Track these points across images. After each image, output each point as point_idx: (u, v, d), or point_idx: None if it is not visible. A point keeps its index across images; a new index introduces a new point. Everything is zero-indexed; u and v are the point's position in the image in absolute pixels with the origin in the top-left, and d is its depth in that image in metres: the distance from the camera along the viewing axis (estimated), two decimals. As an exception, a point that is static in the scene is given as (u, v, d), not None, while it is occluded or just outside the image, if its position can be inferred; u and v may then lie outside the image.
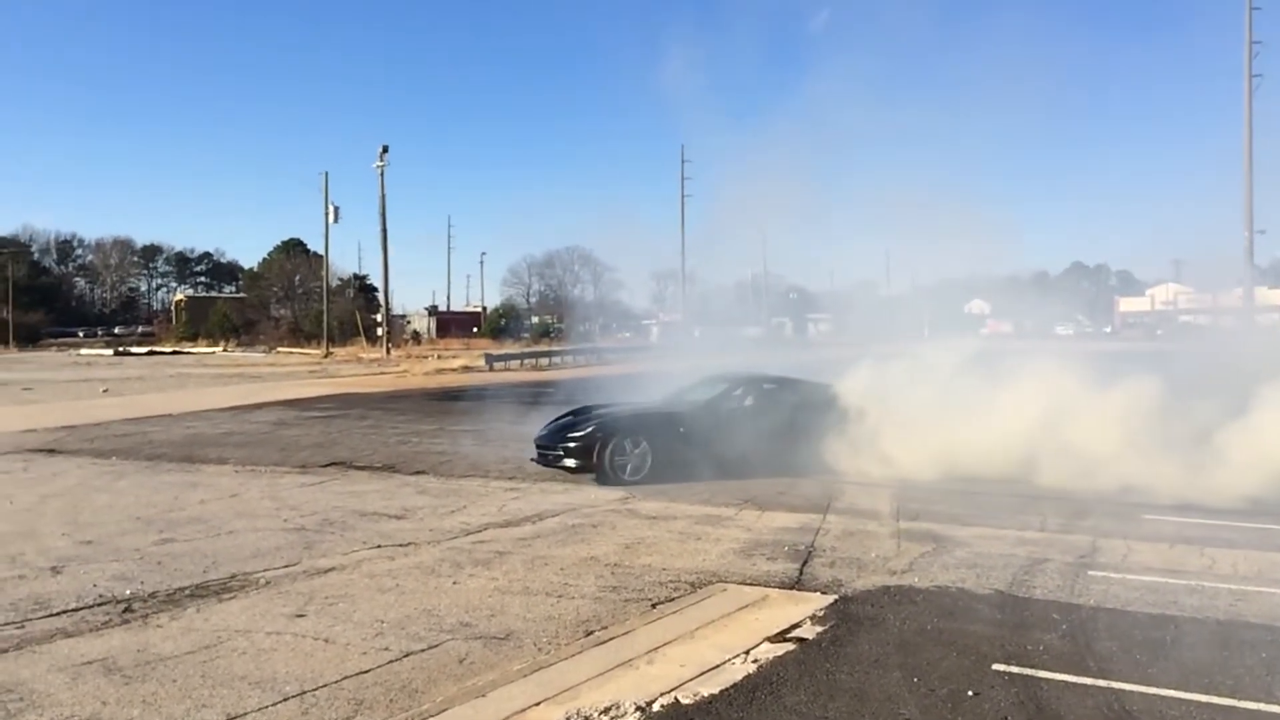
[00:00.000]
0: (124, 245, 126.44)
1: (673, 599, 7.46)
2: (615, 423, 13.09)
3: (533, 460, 13.48)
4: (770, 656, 6.06)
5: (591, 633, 6.64)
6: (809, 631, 6.58)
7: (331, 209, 62.96)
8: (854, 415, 13.70)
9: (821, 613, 7.01)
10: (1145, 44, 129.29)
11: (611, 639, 6.49)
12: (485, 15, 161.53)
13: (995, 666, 5.85)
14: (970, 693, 5.43)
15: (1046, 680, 5.61)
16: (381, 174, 59.60)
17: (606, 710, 5.16)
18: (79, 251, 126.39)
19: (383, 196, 60.26)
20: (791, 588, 7.77)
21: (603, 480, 12.59)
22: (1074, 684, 5.55)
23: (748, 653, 6.12)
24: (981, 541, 9.31)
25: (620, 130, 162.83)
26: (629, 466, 12.73)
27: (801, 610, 7.08)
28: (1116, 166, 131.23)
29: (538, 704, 5.30)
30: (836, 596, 7.43)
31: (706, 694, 5.43)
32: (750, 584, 7.87)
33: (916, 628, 6.65)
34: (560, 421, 13.80)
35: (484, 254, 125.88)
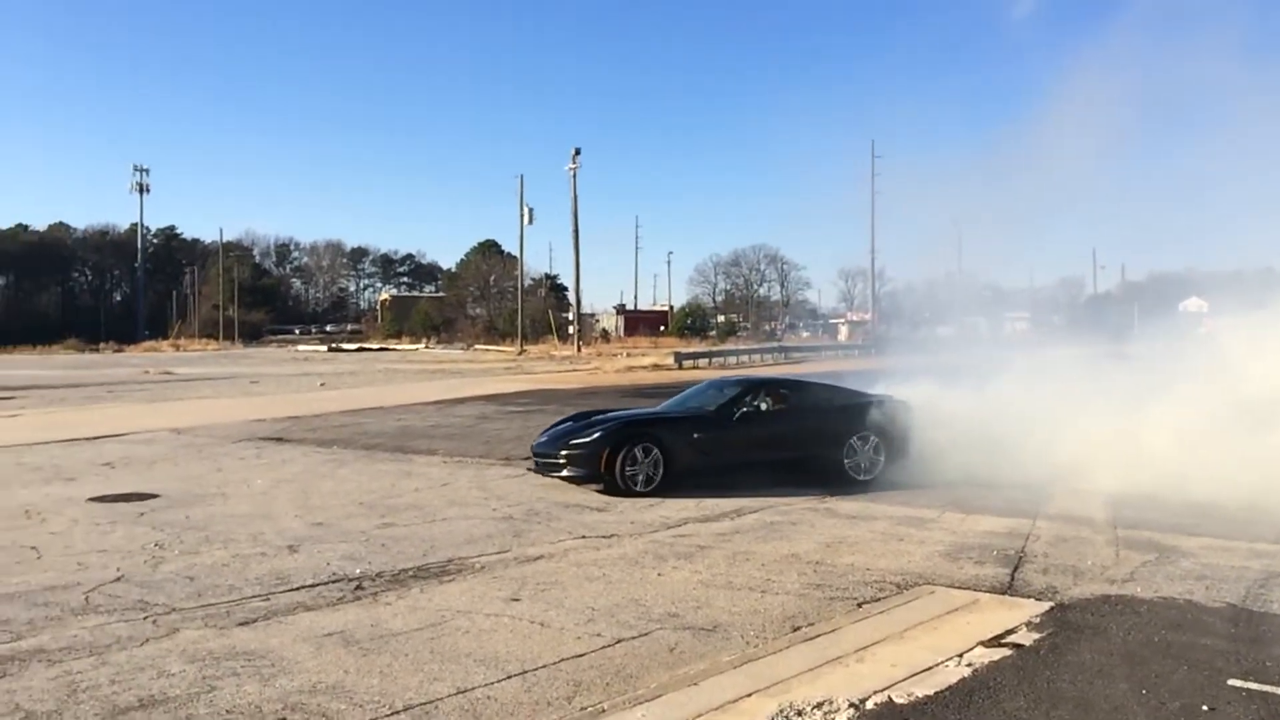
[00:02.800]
0: (335, 248, 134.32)
1: (879, 599, 7.39)
2: (624, 429, 12.25)
3: (529, 470, 12.94)
4: (985, 661, 5.93)
5: (798, 629, 6.66)
6: (1025, 638, 6.39)
7: (526, 211, 65.01)
8: (894, 427, 12.89)
9: (1038, 619, 6.80)
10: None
11: (819, 636, 6.49)
12: (676, 19, 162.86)
13: (1231, 682, 5.53)
14: (1205, 708, 5.16)
15: (1291, 700, 5.27)
16: (574, 176, 61.17)
17: (819, 705, 5.17)
18: (295, 254, 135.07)
19: (574, 198, 61.83)
20: (1003, 593, 7.56)
21: (611, 491, 11.77)
22: (1323, 706, 5.19)
23: (961, 656, 6.01)
24: (1209, 553, 8.78)
25: (809, 128, 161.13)
26: (641, 476, 11.81)
27: (1015, 616, 6.88)
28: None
29: (749, 695, 5.37)
30: (1052, 604, 7.19)
31: (920, 695, 5.36)
32: (959, 587, 7.71)
33: (1142, 639, 6.35)
34: (560, 428, 13.07)
35: (671, 253, 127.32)
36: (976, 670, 5.78)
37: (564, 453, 12.03)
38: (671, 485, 11.84)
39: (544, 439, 12.79)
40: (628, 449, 11.81)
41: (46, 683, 5.55)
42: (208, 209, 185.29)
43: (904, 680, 5.59)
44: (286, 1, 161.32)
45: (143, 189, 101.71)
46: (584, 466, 11.84)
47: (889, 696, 5.33)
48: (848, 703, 5.21)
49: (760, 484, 12.00)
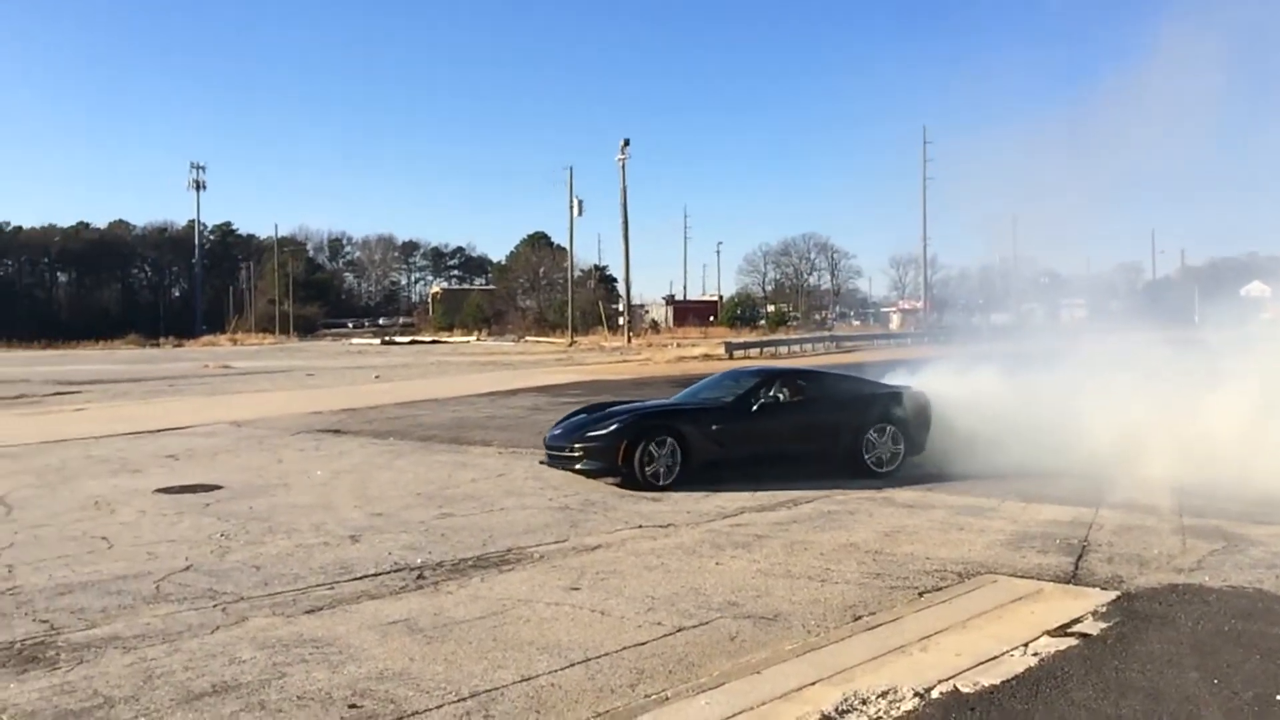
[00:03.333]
0: (386, 242, 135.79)
1: (940, 588, 7.33)
2: (642, 420, 11.94)
3: (541, 462, 12.70)
4: (1051, 650, 5.86)
5: (859, 618, 6.63)
6: (1092, 627, 6.31)
7: (576, 203, 65.21)
8: (913, 418, 12.78)
9: (1104, 609, 6.70)
10: None
11: (880, 625, 6.46)
12: (725, 7, 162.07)
13: (1307, 673, 5.42)
14: (1279, 697, 5.07)
15: (1370, 691, 5.15)
16: (623, 167, 61.27)
17: (884, 694, 5.15)
18: (348, 249, 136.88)
19: (624, 189, 61.92)
20: (1067, 582, 7.46)
21: (629, 484, 11.51)
22: (1404, 697, 5.07)
23: (1026, 645, 5.94)
24: (1279, 541, 8.60)
25: (860, 114, 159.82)
26: (660, 469, 11.54)
27: (1081, 605, 6.79)
28: None
29: (812, 684, 5.35)
30: (1118, 593, 7.08)
31: (986, 684, 5.31)
32: (1022, 576, 7.62)
33: (1212, 628, 6.24)
34: (574, 419, 12.84)
35: (720, 243, 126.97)
36: (1043, 660, 5.72)
37: (579, 445, 11.82)
38: (689, 478, 11.59)
39: (558, 431, 12.62)
40: (646, 441, 11.56)
41: (123, 669, 5.68)
42: (262, 205, 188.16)
43: (969, 669, 5.54)
44: (332, 1, 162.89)
45: (199, 186, 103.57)
46: (600, 459, 11.62)
47: (954, 686, 5.29)
48: (912, 692, 5.18)
49: (782, 476, 11.93)
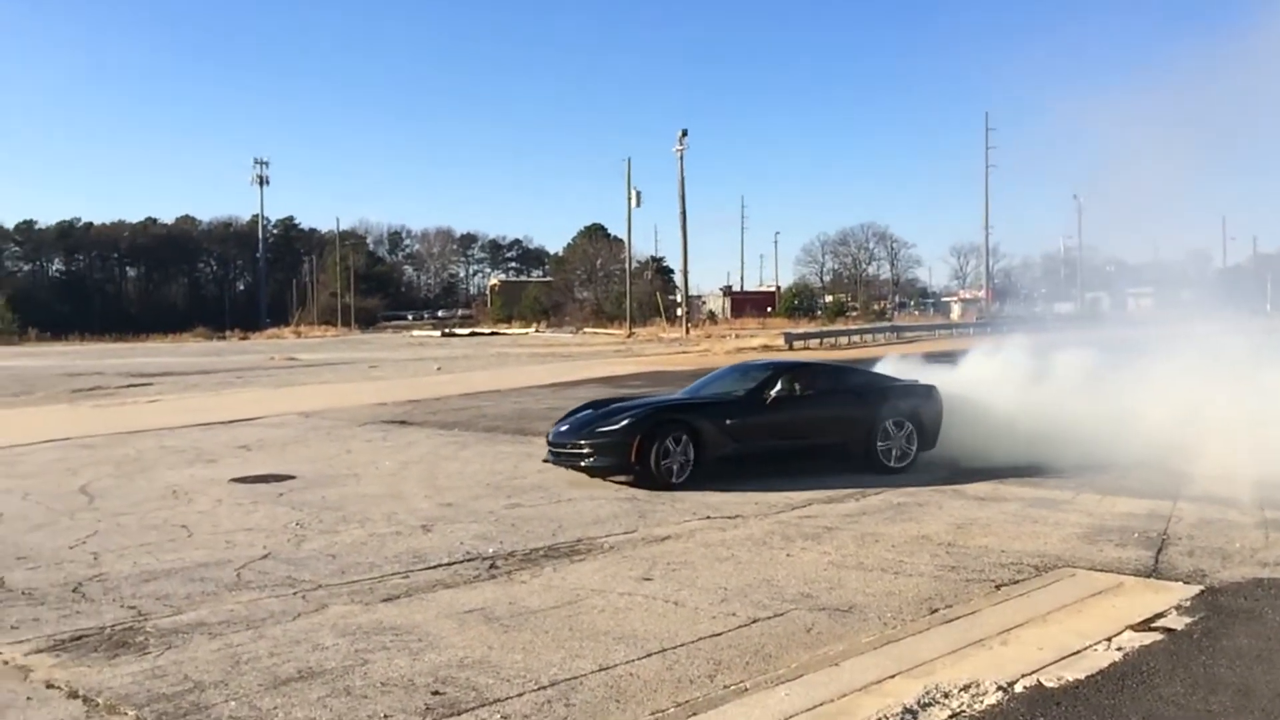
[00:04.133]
0: (445, 235, 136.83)
1: (1017, 581, 7.24)
2: (656, 414, 11.50)
3: (545, 460, 12.08)
4: (1136, 645, 5.76)
5: (936, 610, 6.57)
6: (1176, 622, 6.19)
7: (634, 194, 65.22)
8: (927, 413, 12.50)
9: (1188, 603, 6.57)
10: None
11: (958, 618, 6.39)
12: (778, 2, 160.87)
13: (1404, 671, 5.27)
14: (1378, 698, 4.93)
15: None
16: (681, 158, 61.20)
17: (966, 687, 5.10)
18: (407, 241, 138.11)
19: (681, 180, 61.80)
20: (1148, 576, 7.33)
21: (645, 483, 11.06)
22: None
23: (1109, 640, 5.85)
24: (1369, 536, 8.37)
25: (920, 100, 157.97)
26: (675, 466, 11.10)
27: (1163, 600, 6.67)
28: None
29: (892, 676, 5.32)
30: (1202, 587, 6.94)
31: (1070, 679, 5.23)
32: (1101, 570, 7.50)
33: (1302, 624, 6.09)
34: (580, 416, 12.29)
35: (778, 233, 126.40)
36: (1127, 654, 5.62)
37: (588, 441, 11.31)
38: (703, 476, 11.18)
39: (564, 427, 12.04)
40: (661, 437, 11.09)
41: (210, 654, 5.82)
42: (324, 199, 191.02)
43: (1052, 664, 5.46)
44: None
45: (263, 181, 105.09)
46: (612, 456, 11.14)
47: (1038, 680, 5.22)
48: (995, 685, 5.12)
49: (793, 472, 11.66)
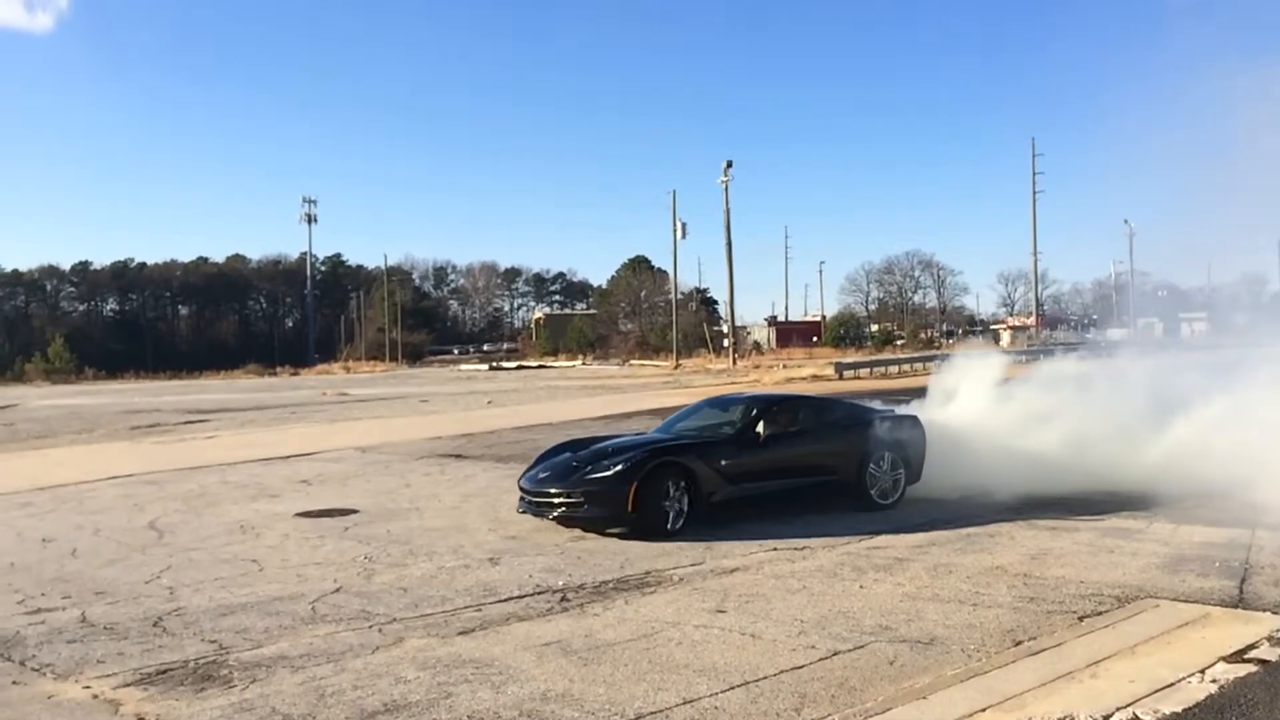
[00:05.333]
0: (489, 269, 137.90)
1: (1100, 613, 7.10)
2: (652, 457, 10.39)
3: (522, 511, 11.07)
4: (1230, 677, 5.62)
5: (1020, 642, 6.46)
6: (1269, 653, 6.04)
7: (679, 226, 65.44)
8: (912, 446, 11.91)
9: (1279, 634, 6.41)
10: None
11: (1043, 650, 6.28)
12: (821, 25, 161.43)
13: None
14: None
15: None
16: (725, 189, 61.27)
17: (1060, 721, 5.01)
18: (452, 276, 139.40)
19: (727, 211, 61.95)
20: (1234, 606, 7.17)
21: (643, 533, 10.08)
22: None
23: (1203, 672, 5.71)
24: None
25: (965, 127, 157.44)
26: (673, 512, 10.22)
27: (1254, 631, 6.50)
28: None
29: (983, 710, 5.23)
30: (1293, 617, 6.77)
31: (1168, 712, 5.12)
32: (1185, 600, 7.34)
33: (1404, 656, 5.92)
34: (556, 460, 11.27)
35: (823, 262, 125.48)
36: (1223, 687, 5.49)
37: (579, 490, 10.29)
38: (698, 522, 10.37)
39: (542, 474, 11.00)
40: (657, 482, 10.17)
41: (295, 687, 5.86)
42: (370, 236, 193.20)
43: (1146, 696, 5.35)
44: (435, 32, 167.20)
45: (311, 219, 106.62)
46: (606, 506, 10.18)
47: (1133, 713, 5.11)
48: (1090, 719, 5.02)
49: (783, 513, 11.03)
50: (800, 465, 11.34)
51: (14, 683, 6.13)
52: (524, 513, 10.99)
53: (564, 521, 10.54)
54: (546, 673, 6.03)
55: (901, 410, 13.00)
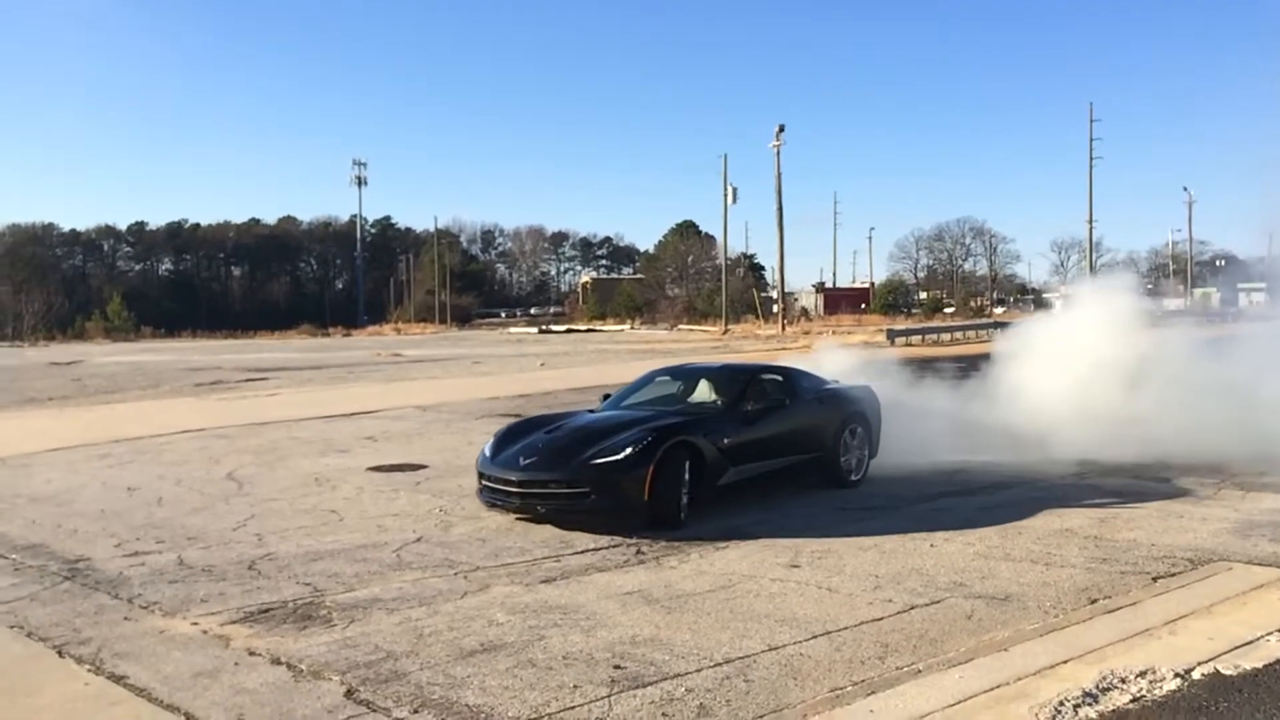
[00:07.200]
0: (537, 233, 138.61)
1: (1174, 574, 7.17)
2: (663, 435, 8.98)
3: (491, 504, 9.36)
4: (1310, 637, 5.70)
5: (1095, 601, 6.56)
6: (1347, 615, 6.10)
7: (730, 190, 65.18)
8: (875, 417, 11.38)
9: (1356, 597, 6.46)
10: None
11: (1119, 608, 6.38)
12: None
13: None
14: None
15: None
16: (777, 153, 60.87)
17: (1142, 674, 5.12)
18: (499, 240, 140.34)
19: (778, 175, 61.64)
20: (1310, 570, 7.21)
21: (656, 523, 8.74)
22: None
23: (1280, 631, 5.79)
24: None
25: (1017, 92, 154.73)
26: (685, 499, 9.05)
27: (1330, 593, 6.56)
28: None
29: (1065, 662, 5.35)
30: (1369, 582, 6.81)
31: (1248, 668, 5.22)
32: (1259, 564, 7.39)
33: None
34: (529, 440, 9.44)
35: (873, 229, 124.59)
36: (1303, 646, 5.57)
37: (586, 474, 8.77)
38: (699, 509, 9.19)
39: (526, 459, 9.13)
40: (672, 465, 8.91)
41: (393, 627, 6.12)
42: (419, 199, 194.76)
43: (1225, 653, 5.44)
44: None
45: (361, 182, 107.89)
46: (618, 494, 8.75)
47: (1215, 668, 5.21)
48: (1172, 673, 5.13)
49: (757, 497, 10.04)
50: (787, 442, 10.32)
51: (125, 619, 6.45)
52: (493, 507, 9.37)
53: (558, 515, 9.01)
54: (632, 619, 6.24)
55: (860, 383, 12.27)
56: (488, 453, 9.59)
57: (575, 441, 9.26)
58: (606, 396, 11.66)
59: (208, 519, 9.73)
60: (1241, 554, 7.71)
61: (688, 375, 11.46)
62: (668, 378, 11.54)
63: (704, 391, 10.86)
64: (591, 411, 10.72)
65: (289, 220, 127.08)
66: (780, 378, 11.19)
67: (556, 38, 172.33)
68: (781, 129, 60.56)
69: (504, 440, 9.69)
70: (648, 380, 11.55)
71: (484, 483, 9.40)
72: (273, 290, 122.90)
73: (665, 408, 10.47)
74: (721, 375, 11.23)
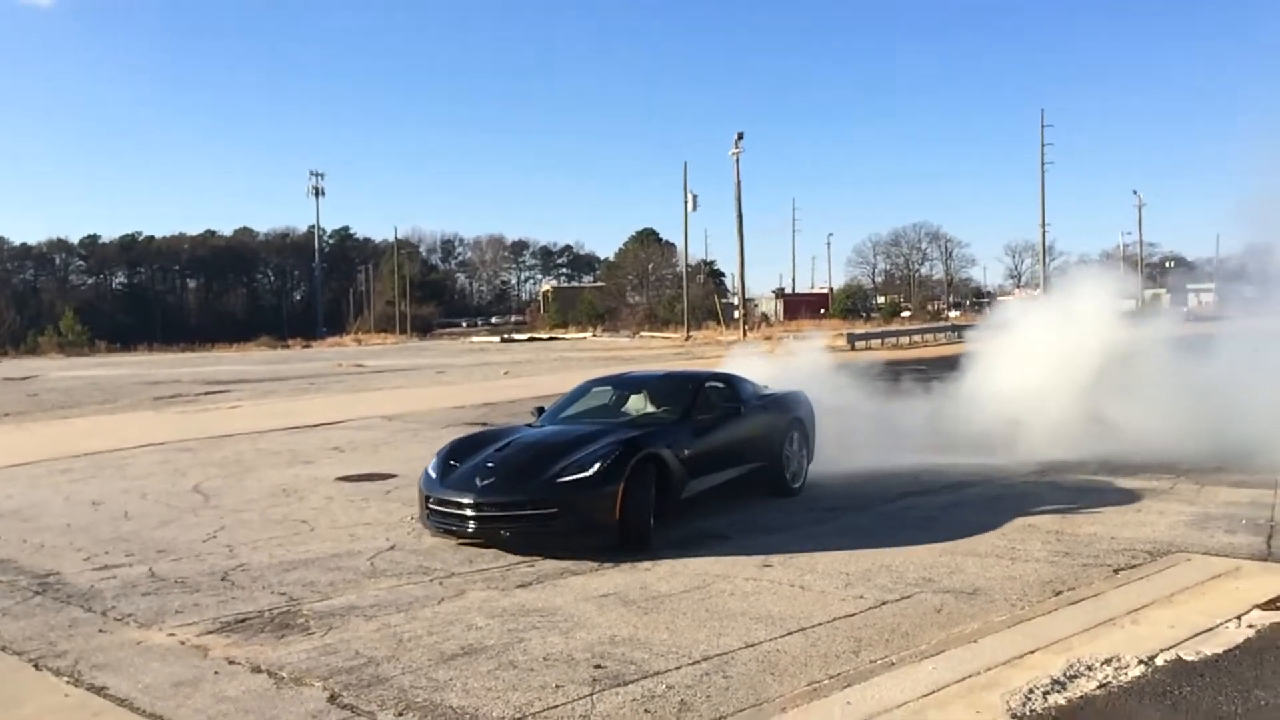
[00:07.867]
0: (497, 242, 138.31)
1: (1134, 566, 7.38)
2: (629, 449, 8.46)
3: (442, 530, 8.64)
4: (1266, 623, 5.89)
5: (1060, 592, 6.74)
6: (1301, 602, 6.31)
7: (690, 198, 65.43)
8: (811, 423, 11.21)
9: (1310, 584, 6.69)
10: None
11: (1083, 600, 6.56)
12: (831, 3, 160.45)
13: None
14: None
15: None
16: (737, 161, 61.07)
17: (1108, 661, 5.28)
18: (459, 249, 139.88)
19: (738, 183, 61.77)
20: (1264, 559, 7.46)
21: (625, 544, 8.17)
22: None
23: (1239, 618, 5.98)
24: None
25: (971, 97, 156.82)
26: (650, 516, 8.52)
27: (1285, 581, 6.78)
28: None
29: (1032, 652, 5.50)
30: (1321, 570, 7.04)
31: (1210, 653, 5.39)
32: (1216, 554, 7.62)
33: None
34: (481, 459, 8.76)
35: (830, 234, 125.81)
36: (1259, 631, 5.76)
37: (553, 498, 8.16)
38: (661, 524, 8.66)
39: (484, 480, 8.44)
40: (641, 479, 8.40)
41: (372, 634, 6.16)
42: (377, 209, 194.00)
43: (1187, 640, 5.62)
44: (443, 3, 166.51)
45: (318, 192, 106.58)
46: (588, 514, 8.17)
47: (1177, 655, 5.39)
48: (1136, 659, 5.29)
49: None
50: (738, 452, 9.97)
51: (100, 631, 6.43)
52: (445, 533, 8.65)
53: (522, 539, 8.26)
54: (610, 620, 6.32)
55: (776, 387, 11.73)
56: (433, 474, 8.85)
57: (534, 459, 8.64)
58: (540, 410, 10.94)
59: (177, 531, 9.67)
60: (1199, 545, 7.94)
61: (627, 385, 10.98)
62: (606, 388, 11.04)
63: (644, 402, 10.40)
64: (531, 426, 10.11)
65: (245, 231, 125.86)
66: (723, 385, 10.80)
67: (515, 47, 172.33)
68: (740, 136, 60.90)
69: (448, 459, 9.00)
70: (584, 391, 11.06)
71: (431, 506, 8.65)
72: (229, 302, 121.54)
73: (611, 419, 9.96)
74: (665, 384, 10.86)
